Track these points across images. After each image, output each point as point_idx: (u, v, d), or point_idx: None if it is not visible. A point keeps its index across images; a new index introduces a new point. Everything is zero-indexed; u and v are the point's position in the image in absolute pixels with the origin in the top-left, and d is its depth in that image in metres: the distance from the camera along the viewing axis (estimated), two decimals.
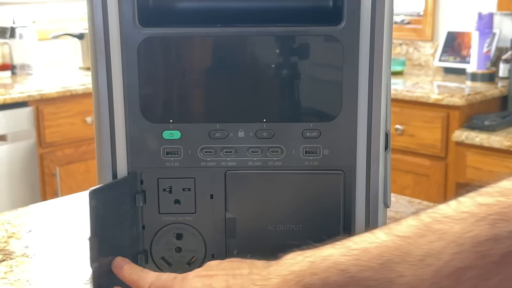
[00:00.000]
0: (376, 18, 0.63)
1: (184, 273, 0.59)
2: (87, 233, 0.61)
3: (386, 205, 0.67)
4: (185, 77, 0.66)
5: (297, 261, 0.53)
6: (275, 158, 0.66)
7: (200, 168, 0.66)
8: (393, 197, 1.02)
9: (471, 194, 0.48)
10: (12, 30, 2.91)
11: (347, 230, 0.67)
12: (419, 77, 2.91)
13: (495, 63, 2.81)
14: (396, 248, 0.48)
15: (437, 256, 0.46)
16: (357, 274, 0.49)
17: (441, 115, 2.50)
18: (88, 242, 0.61)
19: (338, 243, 0.52)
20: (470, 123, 2.48)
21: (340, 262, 0.50)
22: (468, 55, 2.88)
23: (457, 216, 0.47)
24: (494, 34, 2.78)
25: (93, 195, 0.60)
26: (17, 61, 2.91)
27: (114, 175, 0.66)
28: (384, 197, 0.67)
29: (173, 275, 0.60)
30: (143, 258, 0.68)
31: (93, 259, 0.61)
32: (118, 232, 0.65)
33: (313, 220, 0.67)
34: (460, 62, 2.93)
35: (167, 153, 0.66)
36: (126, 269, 0.63)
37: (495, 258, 0.44)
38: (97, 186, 0.62)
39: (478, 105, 2.57)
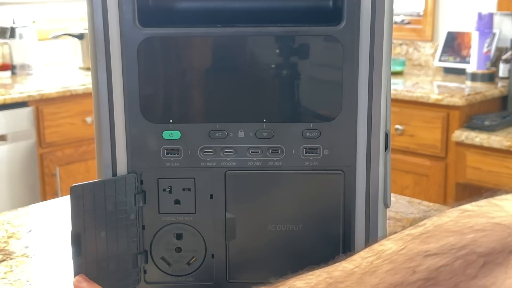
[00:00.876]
0: (376, 18, 0.63)
1: None
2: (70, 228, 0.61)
3: (386, 205, 0.67)
4: (185, 77, 0.66)
5: None
6: (275, 158, 0.66)
7: (200, 168, 0.66)
8: (393, 197, 1.02)
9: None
10: (12, 30, 2.91)
11: (347, 230, 0.67)
12: (419, 77, 2.91)
13: (495, 63, 2.81)
14: (342, 271, 0.50)
15: (374, 274, 0.48)
16: None
17: (441, 115, 2.50)
18: (70, 237, 0.61)
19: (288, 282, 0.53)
20: (470, 123, 2.48)
21: None
22: (468, 55, 2.89)
23: (396, 236, 0.50)
24: (494, 34, 2.78)
25: (75, 190, 0.61)
26: (17, 61, 2.91)
27: (114, 175, 0.66)
28: (384, 197, 0.67)
29: None
30: (143, 258, 0.68)
31: (75, 254, 0.62)
32: (111, 231, 0.65)
33: (313, 220, 0.67)
34: (460, 62, 2.93)
35: (167, 153, 0.66)
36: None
37: (424, 274, 0.46)
38: (81, 183, 0.62)
39: (478, 105, 2.57)
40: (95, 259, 0.63)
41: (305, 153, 0.66)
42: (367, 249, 0.51)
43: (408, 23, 3.25)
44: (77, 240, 0.62)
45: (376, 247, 0.50)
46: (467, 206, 0.48)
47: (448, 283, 0.45)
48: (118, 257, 0.65)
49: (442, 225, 0.47)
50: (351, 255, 0.52)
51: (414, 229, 0.49)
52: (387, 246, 0.49)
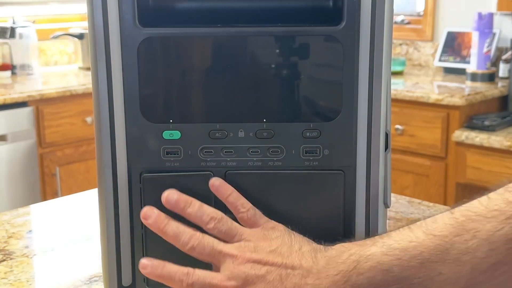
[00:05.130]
0: (376, 18, 0.63)
1: (234, 248, 0.60)
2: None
3: (386, 205, 0.67)
4: (185, 77, 0.66)
5: (343, 259, 0.56)
6: (275, 158, 0.66)
7: (200, 168, 0.66)
8: (393, 197, 1.02)
9: (499, 191, 0.53)
10: (12, 30, 2.91)
11: (347, 230, 0.67)
12: (419, 77, 2.91)
13: (495, 63, 2.81)
14: (435, 248, 0.52)
15: (473, 254, 0.50)
16: (400, 273, 0.53)
17: (441, 115, 2.50)
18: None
19: (379, 240, 0.56)
20: (470, 123, 2.48)
21: (383, 262, 0.54)
22: (468, 55, 2.89)
23: (489, 214, 0.51)
24: (494, 34, 2.78)
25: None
26: (17, 61, 2.91)
27: (114, 175, 0.66)
28: (384, 197, 0.67)
29: (234, 246, 0.61)
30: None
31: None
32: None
33: (313, 220, 0.67)
34: (460, 62, 2.93)
35: (167, 153, 0.66)
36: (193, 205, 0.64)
37: None
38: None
39: (478, 105, 2.57)
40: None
41: (305, 153, 0.66)
42: None
43: (408, 23, 3.25)
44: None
45: None
46: None
47: None
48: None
49: None
50: None
51: None
52: None
